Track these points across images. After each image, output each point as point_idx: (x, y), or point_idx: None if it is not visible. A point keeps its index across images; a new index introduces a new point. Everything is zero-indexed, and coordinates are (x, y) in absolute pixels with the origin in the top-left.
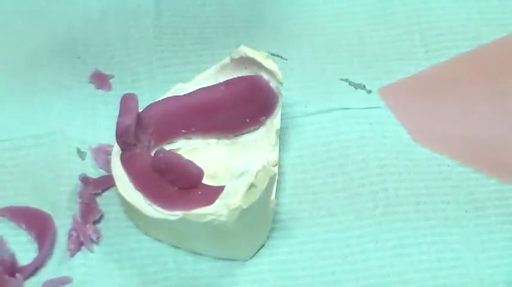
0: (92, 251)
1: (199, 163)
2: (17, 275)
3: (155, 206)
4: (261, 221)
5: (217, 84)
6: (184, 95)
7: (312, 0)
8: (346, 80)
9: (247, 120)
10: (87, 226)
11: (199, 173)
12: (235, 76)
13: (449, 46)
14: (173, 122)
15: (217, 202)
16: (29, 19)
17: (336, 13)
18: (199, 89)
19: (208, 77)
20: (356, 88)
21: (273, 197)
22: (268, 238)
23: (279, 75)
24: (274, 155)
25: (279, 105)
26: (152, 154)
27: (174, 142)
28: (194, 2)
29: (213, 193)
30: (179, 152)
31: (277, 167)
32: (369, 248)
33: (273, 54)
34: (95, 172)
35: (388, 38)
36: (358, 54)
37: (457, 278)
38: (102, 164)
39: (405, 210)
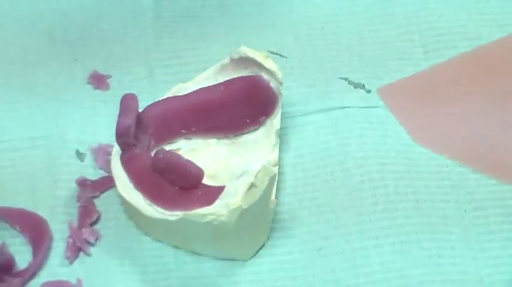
0: (89, 255)
1: (199, 163)
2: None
3: (155, 207)
4: (261, 221)
5: (217, 84)
6: (184, 95)
7: (312, 0)
8: (345, 79)
9: (247, 120)
10: (83, 229)
11: (199, 173)
12: (235, 76)
13: (449, 46)
14: (173, 122)
15: (217, 202)
16: (26, 20)
17: (336, 13)
18: (199, 89)
19: (208, 77)
20: (355, 87)
21: (273, 197)
22: (268, 238)
23: (279, 75)
24: (274, 155)
25: (279, 105)
26: (152, 154)
27: (174, 142)
28: (194, 2)
29: (213, 193)
30: (179, 152)
31: (277, 167)
32: (369, 244)
33: (272, 53)
34: (94, 173)
35: (387, 38)
36: (358, 54)
37: (457, 274)
38: (102, 165)
39: (405, 207)
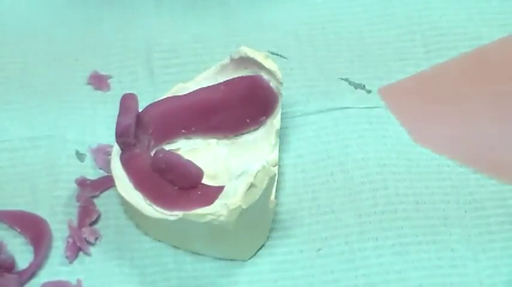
0: (89, 255)
1: (199, 163)
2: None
3: (155, 206)
4: (261, 221)
5: (217, 84)
6: (184, 95)
7: (312, 0)
8: (346, 79)
9: (247, 120)
10: (83, 229)
11: (199, 173)
12: (235, 76)
13: (449, 46)
14: (173, 122)
15: (217, 202)
16: (26, 20)
17: (336, 13)
18: (199, 89)
19: (208, 77)
20: (356, 88)
21: (272, 197)
22: (268, 238)
23: (279, 75)
24: (274, 155)
25: (279, 105)
26: (152, 154)
27: (174, 142)
28: (194, 1)
29: (212, 193)
30: (179, 152)
31: (277, 167)
32: (369, 246)
33: (272, 53)
34: (94, 173)
35: (388, 38)
36: (358, 54)
37: (456, 277)
38: (101, 165)
39: (405, 208)
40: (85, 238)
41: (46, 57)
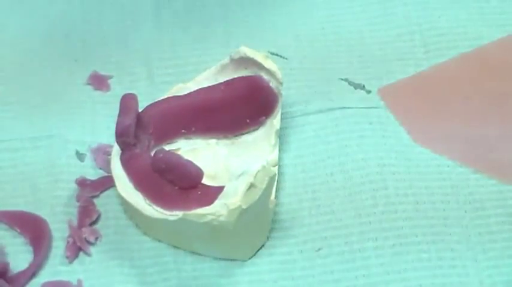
0: (89, 255)
1: (199, 163)
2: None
3: (155, 206)
4: (261, 221)
5: (217, 84)
6: (184, 95)
7: (312, 0)
8: (345, 79)
9: (247, 120)
10: (83, 229)
11: (199, 173)
12: (235, 76)
13: (449, 46)
14: (173, 122)
15: (216, 202)
16: (26, 21)
17: (336, 13)
18: (199, 89)
19: (208, 77)
20: (356, 88)
21: (272, 197)
22: (268, 238)
23: (279, 75)
24: (274, 155)
25: (279, 105)
26: (152, 154)
27: (174, 142)
28: (194, 2)
29: (212, 193)
30: (179, 152)
31: (277, 167)
32: (369, 246)
33: (272, 54)
34: (94, 173)
35: (388, 38)
36: (358, 54)
37: (456, 277)
38: (101, 165)
39: (405, 209)
40: (85, 238)
41: (46, 57)
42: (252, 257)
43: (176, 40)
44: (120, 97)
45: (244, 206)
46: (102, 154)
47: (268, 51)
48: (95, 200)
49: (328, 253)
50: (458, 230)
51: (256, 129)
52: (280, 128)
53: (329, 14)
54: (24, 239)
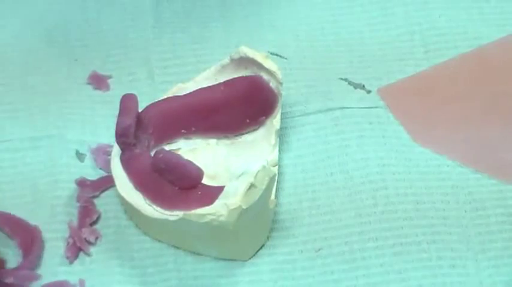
0: (89, 255)
1: (199, 163)
2: None
3: (155, 206)
4: (261, 221)
5: (217, 84)
6: (184, 95)
7: (312, 0)
8: (345, 79)
9: (247, 120)
10: (83, 229)
11: (199, 173)
12: (235, 76)
13: (449, 46)
14: (173, 122)
15: (217, 202)
16: (26, 21)
17: (336, 13)
18: (199, 89)
19: (208, 77)
20: (355, 88)
21: (272, 197)
22: (268, 238)
23: (279, 75)
24: (274, 155)
25: (279, 105)
26: (152, 154)
27: (174, 142)
28: (194, 2)
29: (212, 193)
30: (179, 152)
31: (277, 167)
32: (369, 246)
33: (272, 54)
34: (94, 173)
35: (387, 38)
36: (358, 54)
37: (456, 277)
38: (102, 165)
39: (405, 208)
40: (85, 238)
41: (46, 57)
42: (252, 257)
43: (176, 40)
44: (120, 97)
45: (244, 206)
46: (102, 154)
47: (268, 51)
48: (95, 200)
49: (328, 253)
50: (458, 230)
51: (256, 129)
52: (280, 128)
53: (329, 14)
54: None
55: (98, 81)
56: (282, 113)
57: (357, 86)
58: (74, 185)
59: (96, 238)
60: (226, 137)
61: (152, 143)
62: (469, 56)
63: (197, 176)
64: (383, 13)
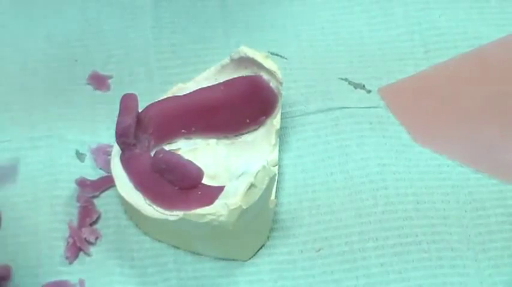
0: (89, 255)
1: (199, 163)
2: None
3: (155, 206)
4: (261, 221)
5: (217, 84)
6: (184, 95)
7: (312, 0)
8: (345, 79)
9: (247, 120)
10: (83, 229)
11: (199, 173)
12: (235, 76)
13: (449, 46)
14: (173, 122)
15: (217, 202)
16: (26, 21)
17: (336, 13)
18: (199, 89)
19: (208, 77)
20: (356, 88)
21: (273, 197)
22: (268, 238)
23: (279, 75)
24: (274, 155)
25: (279, 105)
26: (152, 154)
27: (174, 142)
28: (194, 2)
29: (213, 193)
30: (179, 152)
31: (277, 167)
32: (369, 246)
33: (272, 54)
34: (94, 173)
35: (387, 38)
36: (358, 54)
37: (456, 277)
38: (102, 165)
39: (405, 208)
40: (85, 238)
41: (46, 57)
42: (252, 257)
43: (176, 40)
44: (120, 97)
45: (244, 206)
46: (102, 154)
47: (268, 51)
48: (95, 200)
49: (328, 253)
50: (458, 230)
51: (256, 129)
52: (280, 128)
53: (329, 14)
54: None
55: (98, 82)
56: (282, 113)
57: (357, 86)
58: (74, 185)
59: (96, 238)
60: (226, 137)
61: (152, 143)
62: (469, 56)
63: (197, 176)
64: (383, 13)
